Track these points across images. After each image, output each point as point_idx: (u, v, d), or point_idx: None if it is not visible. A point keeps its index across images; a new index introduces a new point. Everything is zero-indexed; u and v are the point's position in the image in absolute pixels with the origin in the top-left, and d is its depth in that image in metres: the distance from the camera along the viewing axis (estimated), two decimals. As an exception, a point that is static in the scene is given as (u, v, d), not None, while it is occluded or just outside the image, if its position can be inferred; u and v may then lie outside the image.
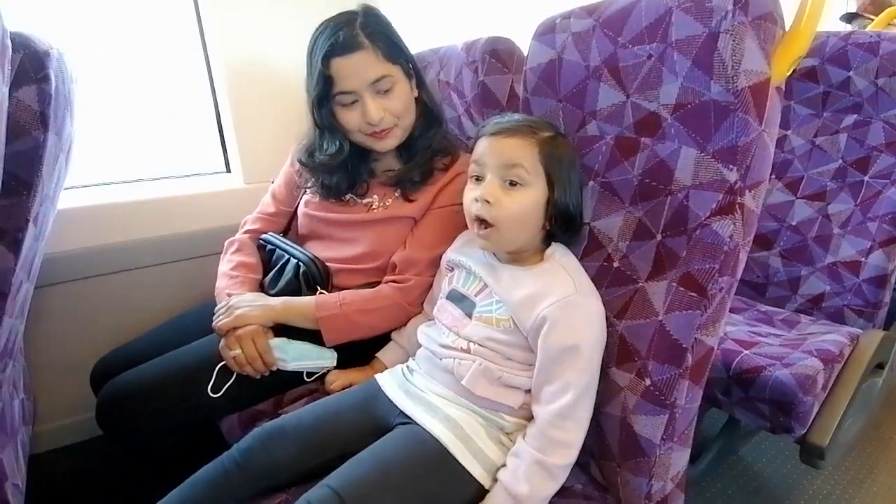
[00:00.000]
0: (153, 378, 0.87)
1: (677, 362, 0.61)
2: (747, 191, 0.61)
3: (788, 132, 1.39)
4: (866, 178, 1.26)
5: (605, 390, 0.68)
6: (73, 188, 1.26)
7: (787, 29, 0.60)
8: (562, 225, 0.72)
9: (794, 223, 1.35)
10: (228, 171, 1.43)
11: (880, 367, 1.15)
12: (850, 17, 2.00)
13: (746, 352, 1.04)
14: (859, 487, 1.26)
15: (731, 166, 0.61)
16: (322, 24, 0.89)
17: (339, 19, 0.88)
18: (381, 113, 0.89)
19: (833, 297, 1.28)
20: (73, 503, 1.17)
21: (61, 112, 0.76)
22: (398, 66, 0.90)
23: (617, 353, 0.68)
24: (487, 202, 0.69)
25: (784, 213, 1.36)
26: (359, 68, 0.86)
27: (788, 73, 0.62)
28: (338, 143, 0.94)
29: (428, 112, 0.97)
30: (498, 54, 1.04)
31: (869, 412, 1.18)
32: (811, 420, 1.01)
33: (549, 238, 0.75)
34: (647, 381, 0.63)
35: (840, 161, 1.31)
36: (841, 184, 1.30)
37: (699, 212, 0.63)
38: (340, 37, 0.85)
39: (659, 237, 0.68)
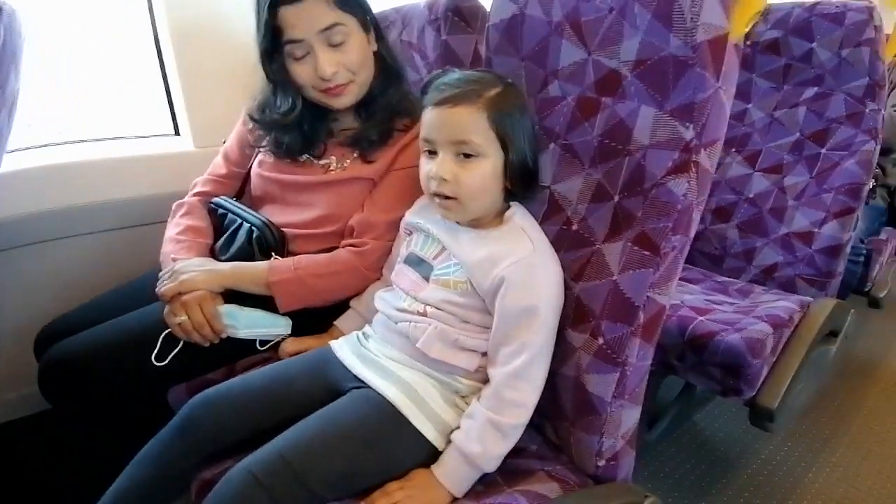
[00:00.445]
0: (96, 344, 0.83)
1: (629, 320, 0.61)
2: (703, 149, 0.60)
3: (749, 105, 1.40)
4: (823, 151, 1.28)
5: (561, 351, 0.68)
6: (12, 151, 1.17)
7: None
8: (521, 183, 0.71)
9: (751, 195, 1.38)
10: (177, 133, 1.35)
11: (833, 335, 1.19)
12: None
13: (701, 318, 1.06)
14: (815, 457, 1.30)
15: (687, 124, 0.60)
16: None
17: None
18: (335, 67, 0.84)
19: (785, 268, 1.32)
20: (21, 479, 1.12)
21: (6, 67, 0.72)
22: (352, 17, 0.85)
23: (573, 314, 0.67)
24: (444, 180, 0.67)
25: (742, 185, 1.39)
26: (307, 16, 0.81)
27: (746, 30, 0.62)
28: (290, 99, 0.88)
29: (387, 69, 0.93)
30: (461, 12, 1.01)
31: (821, 379, 1.23)
32: (760, 383, 1.04)
33: (508, 197, 0.73)
34: (600, 340, 0.63)
35: (798, 134, 1.33)
36: (797, 157, 1.33)
37: (655, 171, 0.62)
38: None
39: (616, 198, 0.67)
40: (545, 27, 0.74)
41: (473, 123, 0.66)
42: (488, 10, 1.02)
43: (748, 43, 1.35)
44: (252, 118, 0.94)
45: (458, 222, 0.74)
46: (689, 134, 0.60)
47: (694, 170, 0.60)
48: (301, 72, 0.85)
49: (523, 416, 0.64)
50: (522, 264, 0.66)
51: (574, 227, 0.72)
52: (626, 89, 0.66)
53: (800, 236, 1.28)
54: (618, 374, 0.61)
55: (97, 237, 1.22)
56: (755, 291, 1.30)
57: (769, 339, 1.04)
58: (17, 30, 0.74)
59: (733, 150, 1.41)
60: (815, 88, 1.30)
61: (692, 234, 0.62)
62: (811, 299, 1.21)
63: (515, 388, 0.63)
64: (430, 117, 0.68)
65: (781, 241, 1.32)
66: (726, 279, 1.35)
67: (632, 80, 0.65)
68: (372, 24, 0.89)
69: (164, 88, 1.31)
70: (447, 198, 0.68)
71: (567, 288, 0.69)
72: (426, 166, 0.70)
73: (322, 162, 0.94)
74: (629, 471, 0.69)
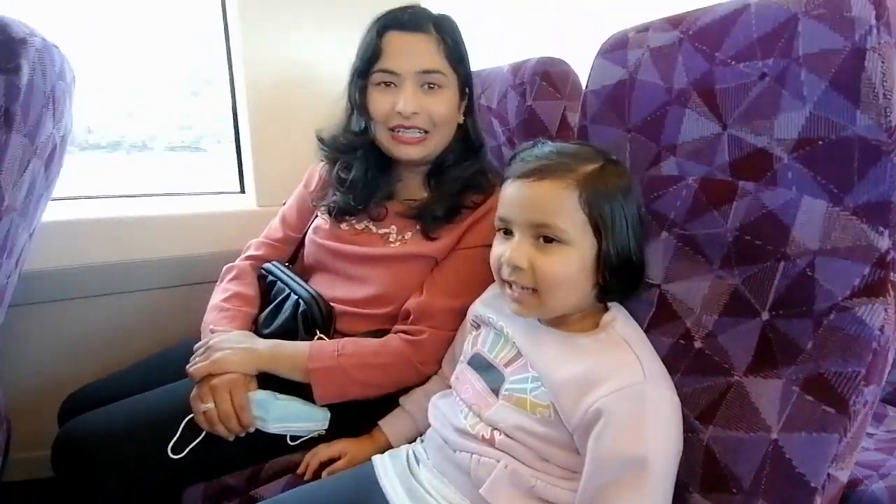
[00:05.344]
0: (114, 423, 0.74)
1: (802, 507, 0.42)
2: (903, 264, 0.43)
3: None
4: None
5: (682, 524, 0.49)
6: (65, 199, 1.16)
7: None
8: (619, 279, 0.56)
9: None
10: (242, 191, 1.31)
11: None
12: None
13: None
14: None
15: (881, 228, 0.44)
16: None
17: (413, 5, 0.80)
18: (417, 108, 0.76)
19: (927, 389, 1.05)
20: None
21: (36, 111, 0.65)
22: (455, 75, 0.79)
23: (702, 473, 0.49)
24: (518, 268, 0.54)
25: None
26: (413, 49, 0.76)
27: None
28: (363, 124, 0.82)
29: (468, 141, 0.84)
30: (550, 77, 0.90)
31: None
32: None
33: (603, 293, 0.58)
34: (754, 530, 0.44)
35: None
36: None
37: (833, 288, 0.45)
38: (407, 15, 0.77)
39: (766, 316, 0.50)
40: (662, 95, 0.61)
41: (560, 203, 0.53)
42: (578, 74, 0.93)
43: None
44: (320, 140, 0.88)
45: (539, 319, 0.59)
46: (884, 243, 0.43)
47: (892, 293, 0.43)
48: (380, 101, 0.78)
49: None
50: (629, 394, 0.49)
51: (697, 345, 0.56)
52: (779, 173, 0.51)
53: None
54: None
55: (147, 294, 1.16)
56: (889, 415, 1.04)
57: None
58: (55, 70, 0.68)
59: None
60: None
61: (884, 381, 0.44)
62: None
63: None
64: (509, 191, 0.56)
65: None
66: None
67: (790, 163, 0.50)
68: (467, 94, 0.83)
69: (234, 145, 1.29)
70: (522, 288, 0.55)
71: (689, 429, 0.51)
72: (499, 248, 0.57)
73: (382, 231, 0.84)
74: None
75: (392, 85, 0.77)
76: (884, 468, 0.82)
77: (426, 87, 0.77)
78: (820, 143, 0.47)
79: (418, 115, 0.76)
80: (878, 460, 0.85)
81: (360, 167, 0.84)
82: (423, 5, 0.84)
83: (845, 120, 0.45)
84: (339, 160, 0.86)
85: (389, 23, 0.76)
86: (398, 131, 0.78)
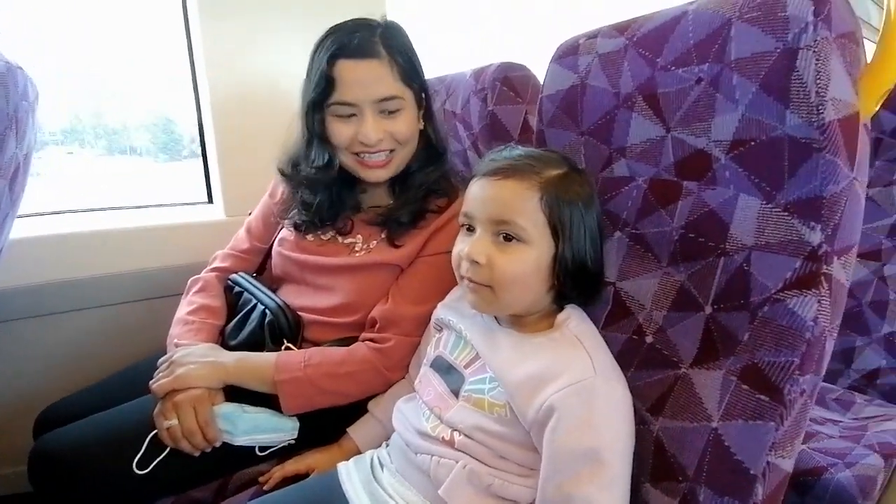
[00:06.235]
0: (85, 438, 0.73)
1: (742, 495, 0.43)
2: (835, 257, 0.46)
3: (835, 183, 1.24)
4: (928, 237, 1.09)
5: (636, 515, 0.51)
6: (29, 216, 1.14)
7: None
8: (574, 284, 0.57)
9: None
10: (210, 201, 1.30)
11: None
12: None
13: (805, 447, 0.85)
14: None
15: (812, 223, 0.46)
16: (335, 25, 0.77)
17: (357, 21, 0.77)
18: (381, 134, 0.76)
19: (889, 374, 1.10)
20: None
21: None
22: (411, 91, 0.78)
23: (652, 463, 0.51)
24: (476, 263, 0.55)
25: (833, 273, 1.19)
26: (367, 79, 0.74)
27: (876, 108, 0.49)
28: (327, 155, 0.80)
29: (430, 147, 0.84)
30: (510, 82, 0.92)
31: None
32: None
33: (560, 297, 0.59)
34: (699, 517, 0.46)
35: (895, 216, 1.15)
36: (899, 242, 1.14)
37: (767, 281, 0.47)
38: (356, 39, 0.74)
39: (708, 309, 0.52)
40: (611, 99, 0.63)
41: (521, 203, 0.54)
42: (539, 79, 0.95)
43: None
44: (282, 173, 0.86)
45: (496, 319, 0.61)
46: (815, 237, 0.45)
47: (826, 285, 0.45)
48: (341, 131, 0.77)
49: None
50: (578, 389, 0.50)
51: (648, 339, 0.57)
52: (717, 173, 0.53)
53: (907, 338, 1.07)
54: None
55: (115, 309, 1.15)
56: (857, 402, 1.08)
57: (880, 476, 0.82)
58: (18, 90, 0.67)
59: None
60: (914, 166, 1.13)
61: (823, 371, 0.46)
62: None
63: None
64: (474, 189, 0.58)
65: (885, 341, 1.11)
66: (822, 384, 1.13)
67: (726, 163, 0.52)
68: (424, 102, 0.82)
69: (201, 154, 1.28)
70: (477, 285, 0.56)
71: (641, 421, 0.53)
72: (460, 245, 0.58)
73: (347, 241, 0.84)
74: None
75: (352, 115, 0.76)
76: (850, 456, 0.85)
77: (386, 112, 0.76)
78: (752, 143, 0.49)
79: (382, 140, 0.76)
80: (843, 448, 0.88)
81: (324, 191, 0.83)
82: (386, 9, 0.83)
83: (775, 121, 0.47)
84: (305, 188, 0.85)
85: (338, 51, 0.73)
86: (363, 156, 0.78)
